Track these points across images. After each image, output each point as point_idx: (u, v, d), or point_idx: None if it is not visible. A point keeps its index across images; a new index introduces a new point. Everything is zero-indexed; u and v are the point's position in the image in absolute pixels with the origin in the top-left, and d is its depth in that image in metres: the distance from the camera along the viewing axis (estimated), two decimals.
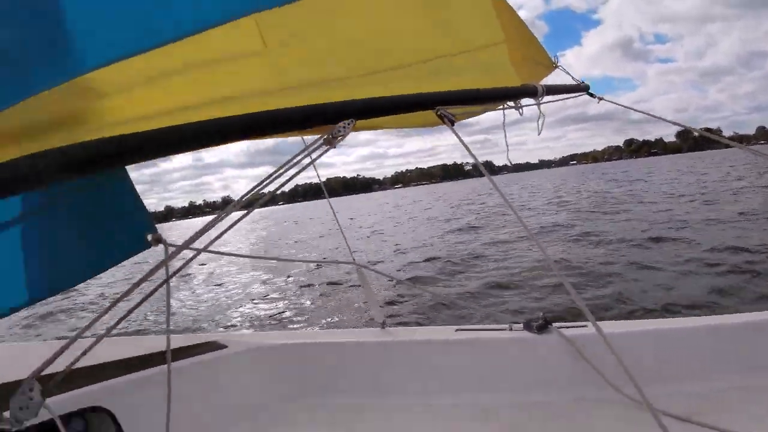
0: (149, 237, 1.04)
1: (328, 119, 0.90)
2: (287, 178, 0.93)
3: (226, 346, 1.49)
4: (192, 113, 0.84)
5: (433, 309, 5.77)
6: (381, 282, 7.14)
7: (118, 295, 0.84)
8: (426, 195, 58.94)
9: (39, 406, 0.75)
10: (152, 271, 0.84)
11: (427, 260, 9.31)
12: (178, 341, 1.48)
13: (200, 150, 0.86)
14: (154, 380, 1.19)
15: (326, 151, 0.91)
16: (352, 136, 1.04)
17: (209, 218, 0.86)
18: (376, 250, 11.94)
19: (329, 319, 6.21)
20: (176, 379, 1.06)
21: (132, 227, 1.13)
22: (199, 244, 0.92)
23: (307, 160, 0.95)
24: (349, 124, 0.92)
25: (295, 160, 0.90)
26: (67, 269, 1.14)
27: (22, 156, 0.77)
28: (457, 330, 1.55)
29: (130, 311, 0.87)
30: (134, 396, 1.18)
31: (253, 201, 0.93)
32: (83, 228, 1.14)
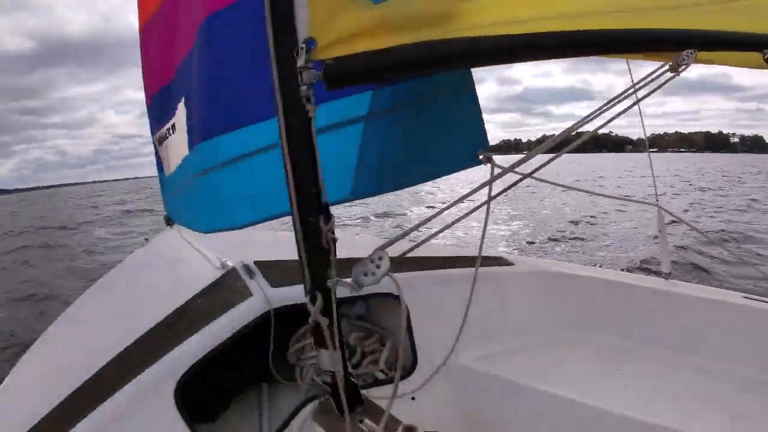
0: (481, 155, 1.06)
1: (678, 44, 0.85)
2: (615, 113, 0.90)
3: (513, 264, 1.54)
4: (532, 25, 0.83)
5: (716, 271, 5.53)
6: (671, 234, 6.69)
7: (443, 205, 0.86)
8: (687, 165, 49.90)
9: (383, 275, 0.78)
10: (479, 188, 0.86)
11: (716, 232, 8.29)
12: (471, 251, 1.55)
13: (546, 60, 0.84)
14: (444, 280, 1.24)
15: (670, 79, 0.87)
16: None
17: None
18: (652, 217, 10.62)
19: (607, 264, 6.18)
20: (467, 283, 1.09)
21: (470, 142, 1.15)
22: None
23: (631, 99, 0.91)
24: (692, 53, 0.86)
25: (640, 84, 0.86)
26: (408, 170, 1.19)
27: (400, 44, 0.80)
28: (744, 297, 1.47)
29: (460, 219, 0.88)
30: (426, 290, 1.23)
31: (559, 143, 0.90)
32: (431, 133, 1.19)
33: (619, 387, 1.26)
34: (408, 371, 1.23)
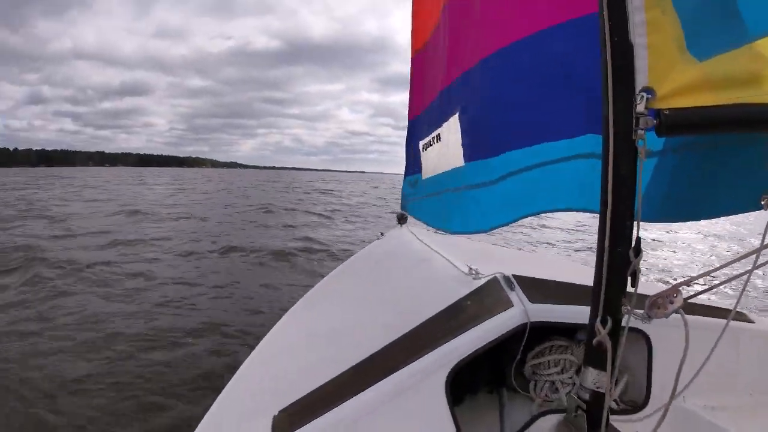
0: (763, 200, 1.05)
1: None
2: None
3: (753, 322, 1.52)
4: None
5: None
6: None
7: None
8: None
9: (673, 311, 0.85)
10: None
11: None
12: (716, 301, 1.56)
13: None
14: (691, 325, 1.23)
15: None
16: None
17: None
18: None
19: None
20: (708, 332, 1.08)
21: (756, 185, 1.15)
22: None
23: None
24: None
25: None
26: (685, 205, 1.23)
27: (730, 104, 0.87)
28: None
29: (748, 273, 0.91)
30: (670, 331, 1.21)
31: None
32: (714, 173, 1.20)
33: None
34: (639, 407, 1.26)
